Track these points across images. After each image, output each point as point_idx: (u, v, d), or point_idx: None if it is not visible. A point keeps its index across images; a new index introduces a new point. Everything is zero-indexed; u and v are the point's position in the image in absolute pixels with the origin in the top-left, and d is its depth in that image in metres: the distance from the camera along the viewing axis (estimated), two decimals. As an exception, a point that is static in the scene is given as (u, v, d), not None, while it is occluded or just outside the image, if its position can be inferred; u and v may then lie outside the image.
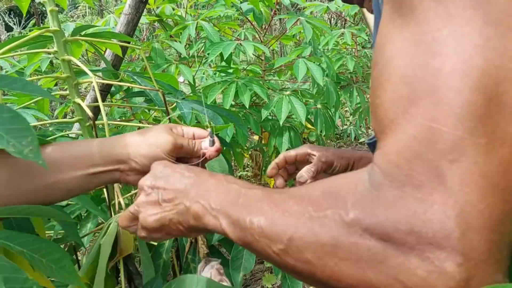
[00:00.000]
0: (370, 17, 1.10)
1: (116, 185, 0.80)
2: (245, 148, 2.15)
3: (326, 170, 0.74)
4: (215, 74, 2.12)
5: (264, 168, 2.38)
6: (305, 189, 0.36)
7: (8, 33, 5.12)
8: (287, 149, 1.89)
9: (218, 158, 0.91)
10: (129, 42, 1.15)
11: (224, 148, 1.10)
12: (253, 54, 1.81)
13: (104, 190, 0.79)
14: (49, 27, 0.79)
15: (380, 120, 0.32)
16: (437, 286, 0.28)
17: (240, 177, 2.32)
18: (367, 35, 2.66)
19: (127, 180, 0.56)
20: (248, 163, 2.82)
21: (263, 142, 2.24)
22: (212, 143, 0.58)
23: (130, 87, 1.61)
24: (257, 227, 0.36)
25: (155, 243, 0.91)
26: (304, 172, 0.70)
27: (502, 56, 0.28)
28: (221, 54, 1.70)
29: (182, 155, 0.57)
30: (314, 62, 1.83)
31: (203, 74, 2.34)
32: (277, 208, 0.36)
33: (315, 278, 0.33)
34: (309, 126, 2.25)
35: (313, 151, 0.73)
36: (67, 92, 0.82)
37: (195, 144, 0.58)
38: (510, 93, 0.28)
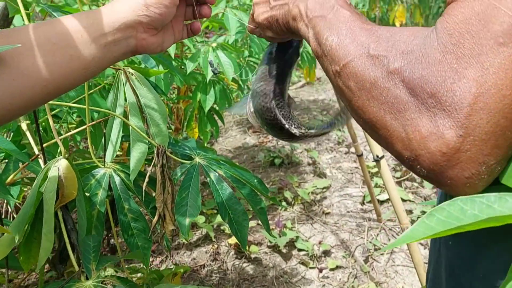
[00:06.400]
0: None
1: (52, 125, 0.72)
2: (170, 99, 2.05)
3: None
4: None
5: (185, 123, 2.28)
6: (383, 27, 0.40)
7: None
8: (211, 107, 1.82)
9: (158, 103, 0.86)
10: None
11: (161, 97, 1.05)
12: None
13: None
14: None
15: None
16: (431, 147, 0.32)
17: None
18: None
19: (145, 46, 0.53)
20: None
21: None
22: None
23: None
24: (328, 45, 0.41)
25: (88, 193, 0.85)
26: None
27: None
28: None
29: None
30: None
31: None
32: (352, 34, 0.40)
33: (351, 105, 0.40)
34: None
35: None
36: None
37: None
38: None
